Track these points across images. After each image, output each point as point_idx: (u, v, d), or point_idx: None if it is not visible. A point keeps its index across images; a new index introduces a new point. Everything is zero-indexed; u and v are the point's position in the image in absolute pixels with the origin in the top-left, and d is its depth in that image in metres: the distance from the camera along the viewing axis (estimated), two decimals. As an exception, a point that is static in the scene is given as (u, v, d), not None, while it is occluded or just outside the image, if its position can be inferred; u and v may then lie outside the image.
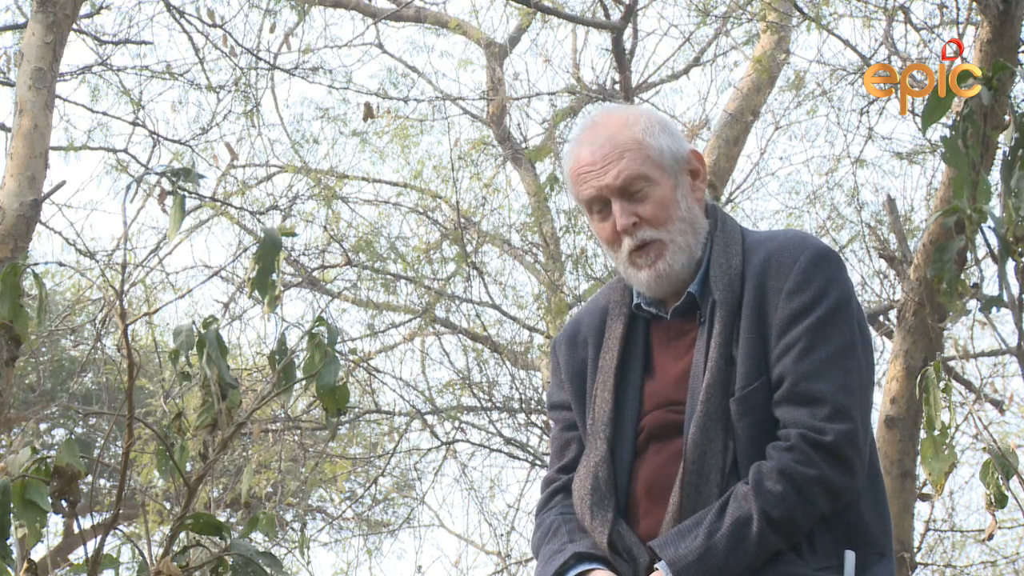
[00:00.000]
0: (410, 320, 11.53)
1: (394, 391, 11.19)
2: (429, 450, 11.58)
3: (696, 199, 3.18)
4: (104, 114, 10.94)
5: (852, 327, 3.06)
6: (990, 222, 3.85)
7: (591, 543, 3.11)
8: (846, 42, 10.01)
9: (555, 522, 3.19)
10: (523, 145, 12.00)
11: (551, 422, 3.38)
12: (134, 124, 10.89)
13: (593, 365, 3.22)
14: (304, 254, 11.32)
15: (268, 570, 4.30)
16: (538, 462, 11.00)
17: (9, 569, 4.20)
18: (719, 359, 3.04)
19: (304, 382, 4.64)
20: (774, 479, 2.94)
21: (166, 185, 4.47)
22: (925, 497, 8.04)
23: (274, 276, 4.50)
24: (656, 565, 2.97)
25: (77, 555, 12.52)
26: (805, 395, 2.98)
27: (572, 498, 3.20)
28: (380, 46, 12.36)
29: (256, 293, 4.51)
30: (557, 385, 3.30)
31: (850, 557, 2.99)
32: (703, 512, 2.98)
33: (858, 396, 3.01)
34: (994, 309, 3.96)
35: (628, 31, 10.69)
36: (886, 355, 9.52)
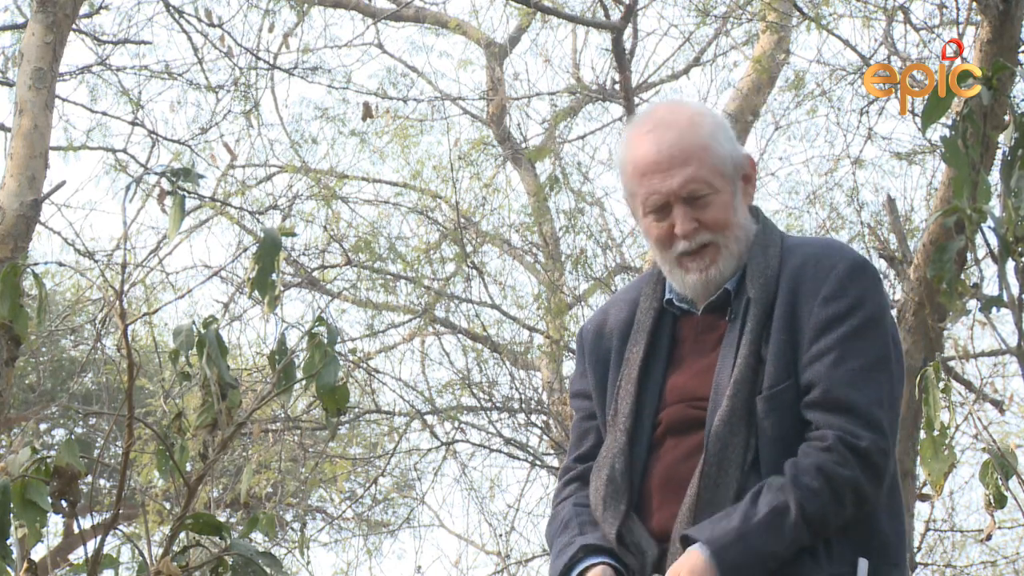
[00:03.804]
0: (410, 320, 11.53)
1: (394, 391, 11.18)
2: (429, 450, 11.58)
3: (747, 204, 3.20)
4: (103, 114, 10.94)
5: (887, 341, 3.06)
6: (990, 222, 3.85)
7: (600, 535, 3.11)
8: (846, 42, 10.01)
9: (568, 514, 3.19)
10: (523, 145, 12.00)
11: (572, 411, 3.38)
12: (133, 124, 10.89)
13: (618, 356, 3.22)
14: (304, 254, 11.32)
15: (268, 570, 4.31)
16: (538, 462, 10.99)
17: (9, 569, 4.20)
18: (749, 356, 3.04)
19: (304, 382, 4.65)
20: (811, 475, 2.94)
21: (166, 185, 4.47)
22: (925, 497, 8.03)
23: (274, 276, 4.50)
24: (691, 548, 2.94)
25: (77, 555, 12.52)
26: (838, 402, 2.99)
27: (588, 488, 3.19)
28: (380, 46, 12.36)
29: (256, 293, 4.52)
30: (580, 374, 3.30)
31: (863, 565, 2.99)
32: (733, 506, 2.97)
33: (888, 410, 3.02)
34: (994, 309, 3.96)
35: (628, 31, 10.68)
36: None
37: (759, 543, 2.91)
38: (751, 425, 3.01)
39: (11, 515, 4.19)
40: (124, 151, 11.00)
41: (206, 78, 11.08)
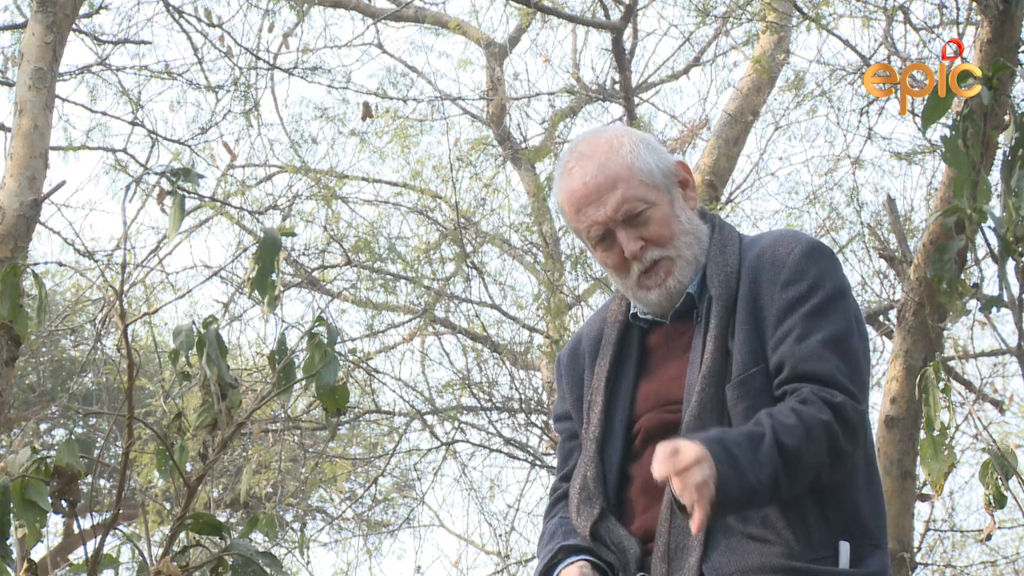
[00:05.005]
0: (410, 320, 11.53)
1: (394, 391, 11.19)
2: (429, 450, 11.59)
3: (691, 208, 3.22)
4: (103, 114, 10.93)
5: (848, 317, 3.09)
6: (990, 222, 3.85)
7: (580, 539, 3.16)
8: (846, 42, 10.01)
9: (554, 526, 3.25)
10: (523, 145, 12.00)
11: (557, 435, 3.41)
12: (133, 124, 10.88)
13: (590, 373, 3.27)
14: (304, 254, 11.32)
15: (268, 570, 4.31)
16: (538, 462, 11.00)
17: (9, 569, 4.20)
18: (715, 351, 3.07)
19: (304, 382, 4.65)
20: (786, 414, 2.94)
21: (165, 185, 4.47)
22: (925, 497, 8.04)
23: (274, 276, 4.51)
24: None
25: (77, 555, 12.52)
26: (805, 375, 3.01)
27: None
28: (380, 46, 12.37)
29: (256, 293, 4.52)
30: (560, 397, 3.35)
31: (844, 548, 3.01)
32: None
33: (856, 382, 3.04)
34: (994, 309, 3.97)
35: (628, 31, 10.70)
36: (886, 355, 9.52)
37: (735, 449, 2.87)
38: (722, 416, 3.03)
39: (11, 515, 4.19)
40: (124, 151, 10.99)
41: (206, 78, 11.08)
